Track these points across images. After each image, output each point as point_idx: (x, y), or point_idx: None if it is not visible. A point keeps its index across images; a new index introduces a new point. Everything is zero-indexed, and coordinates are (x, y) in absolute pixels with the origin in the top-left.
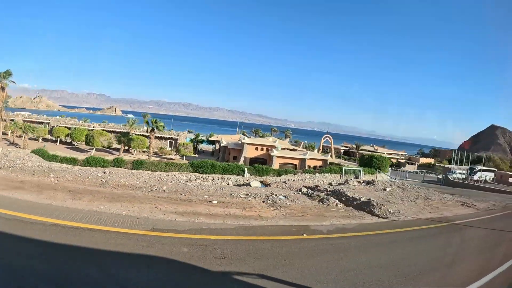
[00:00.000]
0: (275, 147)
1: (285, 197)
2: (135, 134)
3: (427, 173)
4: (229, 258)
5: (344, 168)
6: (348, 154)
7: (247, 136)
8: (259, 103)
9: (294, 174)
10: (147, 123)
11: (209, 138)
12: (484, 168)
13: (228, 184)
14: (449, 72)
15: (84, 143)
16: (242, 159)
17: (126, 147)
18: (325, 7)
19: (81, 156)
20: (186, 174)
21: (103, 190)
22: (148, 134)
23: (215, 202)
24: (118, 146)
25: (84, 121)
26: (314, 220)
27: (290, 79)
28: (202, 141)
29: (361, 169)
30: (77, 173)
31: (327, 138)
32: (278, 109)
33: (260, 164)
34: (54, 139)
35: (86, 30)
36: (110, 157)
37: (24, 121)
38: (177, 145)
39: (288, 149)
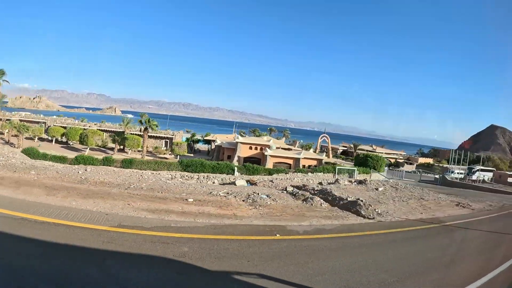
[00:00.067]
0: (269, 147)
1: (267, 196)
2: (130, 134)
3: (425, 173)
4: (188, 257)
5: (337, 167)
6: (346, 154)
7: (242, 136)
8: (259, 103)
9: (285, 174)
10: (141, 122)
11: (205, 138)
12: (482, 168)
13: (213, 182)
14: (449, 72)
15: (78, 142)
16: (235, 158)
17: (121, 147)
18: (325, 7)
19: (72, 155)
20: (172, 173)
21: (80, 186)
22: (142, 133)
23: (190, 200)
24: (113, 146)
25: (82, 121)
26: (293, 220)
27: (290, 79)
28: (198, 141)
29: (355, 168)
30: (58, 171)
31: (324, 137)
32: (278, 109)
33: (254, 164)
34: (50, 138)
35: (86, 30)
36: (101, 156)
37: (21, 120)
38: (171, 145)
39: (283, 148)
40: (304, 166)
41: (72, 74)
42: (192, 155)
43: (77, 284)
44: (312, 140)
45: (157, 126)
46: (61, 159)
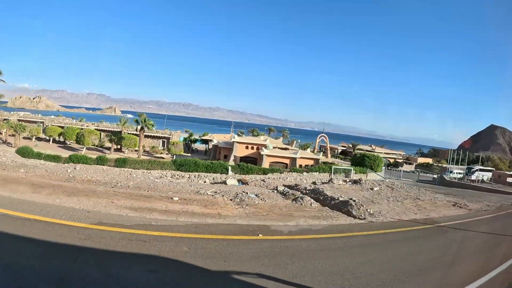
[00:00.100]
0: (265, 146)
1: (256, 195)
2: (128, 133)
3: (424, 173)
4: (162, 255)
5: (333, 167)
6: (345, 154)
7: (240, 135)
8: (259, 103)
9: (280, 173)
10: (137, 121)
11: (202, 137)
12: (482, 167)
13: (205, 182)
14: (449, 72)
15: (75, 142)
16: (232, 158)
17: (119, 146)
18: (325, 7)
19: (67, 155)
20: (163, 172)
21: (66, 184)
22: (138, 133)
23: (176, 199)
24: (110, 145)
25: (80, 121)
26: (279, 220)
27: (290, 79)
28: (195, 140)
29: (352, 168)
30: (48, 169)
31: (322, 137)
32: (278, 109)
33: (251, 163)
34: (47, 138)
35: (86, 30)
36: (96, 156)
37: (19, 120)
38: (168, 144)
39: (279, 148)
40: (300, 165)
41: (72, 74)
42: (189, 154)
43: (45, 278)
44: (311, 140)
45: (153, 125)
46: (55, 158)
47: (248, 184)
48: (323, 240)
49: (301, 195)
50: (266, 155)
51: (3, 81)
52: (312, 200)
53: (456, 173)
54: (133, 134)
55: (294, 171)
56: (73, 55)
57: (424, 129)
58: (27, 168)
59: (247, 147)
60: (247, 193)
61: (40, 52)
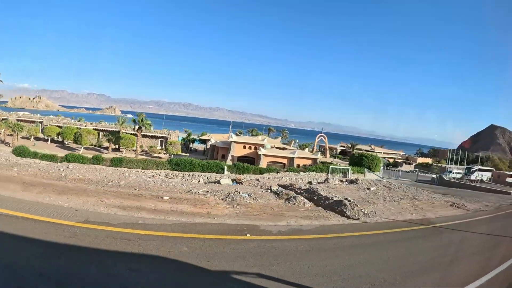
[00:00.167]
0: (263, 146)
1: (248, 195)
2: (126, 133)
3: (423, 173)
4: (146, 254)
5: (331, 167)
6: (344, 154)
7: (238, 135)
8: (259, 103)
9: (277, 173)
10: (134, 121)
11: (201, 137)
12: (481, 167)
13: (199, 181)
14: (449, 72)
15: (73, 141)
16: (229, 157)
17: (117, 146)
18: (325, 7)
19: (62, 154)
20: (156, 171)
21: (57, 183)
22: (135, 132)
23: (166, 198)
24: (108, 145)
25: (79, 120)
26: (269, 219)
27: (290, 79)
28: (193, 140)
29: (349, 168)
30: (40, 168)
31: (321, 137)
32: (278, 109)
33: (248, 163)
34: (46, 138)
35: (86, 30)
36: (92, 155)
37: (18, 120)
38: (165, 144)
39: (277, 147)
40: (298, 165)
41: (72, 74)
42: (187, 154)
43: (26, 273)
44: (311, 140)
45: (150, 125)
46: (51, 158)
47: (242, 184)
48: (313, 241)
49: (295, 194)
50: (263, 154)
51: (1, 81)
52: (305, 200)
53: (456, 173)
54: (131, 134)
55: (291, 171)
56: (73, 55)
57: (424, 129)
58: (20, 167)
59: (244, 147)
60: (239, 192)
61: (40, 52)
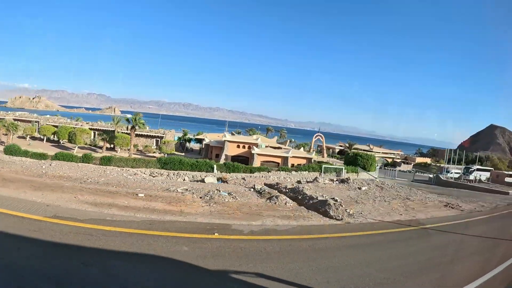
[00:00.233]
0: (256, 145)
1: (228, 193)
2: (122, 133)
3: (421, 173)
4: (106, 249)
5: (324, 166)
6: (342, 154)
7: (233, 134)
8: (259, 103)
9: (268, 172)
10: (128, 120)
11: (197, 137)
12: (480, 167)
13: (184, 180)
14: (449, 72)
15: (67, 141)
16: (223, 157)
17: (112, 145)
18: (325, 7)
19: (52, 153)
20: (142, 169)
21: (36, 179)
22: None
23: (141, 195)
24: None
25: (76, 120)
26: (244, 219)
27: (290, 79)
28: (189, 140)
29: (343, 167)
30: (23, 165)
31: (318, 137)
32: (278, 109)
33: (242, 162)
34: (41, 137)
35: (86, 30)
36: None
37: (15, 119)
38: (159, 143)
39: (272, 147)
40: (293, 164)
41: (72, 74)
42: (183, 154)
43: None
44: (310, 140)
45: (144, 124)
46: (41, 156)
47: (227, 183)
48: (286, 242)
49: (277, 193)
50: (257, 154)
51: None
52: (288, 199)
53: (454, 172)
54: (126, 133)
55: (282, 170)
56: (73, 55)
57: (424, 129)
58: (3, 164)
59: (238, 146)
60: (219, 191)
61: (40, 52)
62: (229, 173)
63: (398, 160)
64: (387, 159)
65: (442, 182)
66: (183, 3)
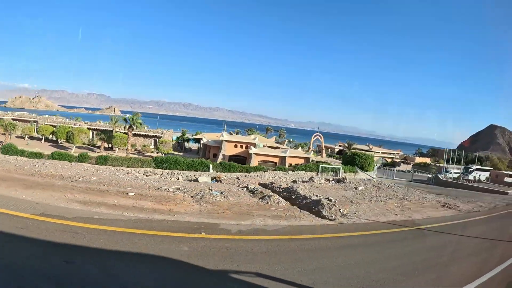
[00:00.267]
0: (254, 145)
1: (220, 193)
2: (120, 132)
3: (420, 173)
4: (87, 247)
5: (321, 165)
6: (342, 153)
7: (231, 134)
8: (259, 103)
9: (264, 171)
10: (125, 120)
11: (195, 136)
12: (480, 167)
13: (178, 179)
14: (449, 72)
15: (65, 140)
16: (220, 156)
17: (110, 145)
18: (325, 7)
19: (48, 152)
20: (136, 169)
21: (28, 178)
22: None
23: (131, 194)
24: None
25: (75, 120)
26: (233, 218)
27: (290, 79)
28: (188, 139)
29: (340, 167)
30: (17, 164)
31: (317, 136)
32: (278, 109)
33: (240, 162)
34: (40, 137)
35: (86, 30)
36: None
37: (13, 119)
38: (157, 143)
39: (269, 146)
40: (290, 164)
41: (72, 74)
42: (181, 153)
43: None
44: (310, 140)
45: (141, 123)
46: (37, 155)
47: (221, 182)
48: (274, 242)
49: (270, 193)
50: (254, 153)
51: None
52: (280, 198)
53: (453, 172)
54: (124, 133)
55: (279, 170)
56: (73, 55)
57: (424, 129)
58: None
59: (236, 146)
60: (211, 190)
61: (40, 52)
62: (225, 172)
63: (397, 160)
64: (387, 159)
65: (441, 182)
66: (183, 3)
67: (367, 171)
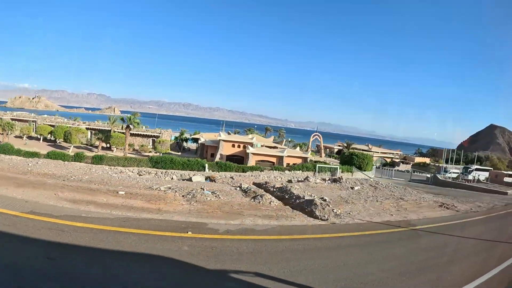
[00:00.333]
0: (251, 144)
1: (212, 192)
2: (118, 132)
3: (420, 173)
4: (70, 244)
5: (318, 165)
6: (341, 153)
7: (229, 134)
8: (259, 103)
9: (261, 171)
10: (122, 119)
11: (193, 136)
12: (479, 167)
13: (172, 178)
14: (449, 72)
15: (63, 140)
16: (218, 156)
17: (108, 145)
18: (325, 7)
19: (43, 151)
20: (130, 168)
21: (20, 177)
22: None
23: (121, 193)
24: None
25: (74, 120)
26: (223, 218)
27: (290, 79)
28: (186, 139)
29: (338, 167)
30: (11, 163)
31: (316, 136)
32: (278, 109)
33: (237, 162)
34: (38, 136)
35: (86, 30)
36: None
37: (12, 119)
38: (155, 143)
39: (267, 146)
40: (288, 164)
41: (72, 74)
42: (179, 153)
43: None
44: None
45: (138, 123)
46: (33, 155)
47: (215, 181)
48: (261, 242)
49: (263, 192)
50: (252, 153)
51: None
52: (273, 198)
53: (452, 172)
54: (122, 132)
55: (276, 169)
56: (73, 55)
57: (424, 129)
58: None
59: (233, 146)
60: (203, 189)
61: (40, 52)
62: (221, 172)
63: (397, 160)
64: (386, 159)
65: (440, 182)
66: (183, 3)
67: (365, 171)
